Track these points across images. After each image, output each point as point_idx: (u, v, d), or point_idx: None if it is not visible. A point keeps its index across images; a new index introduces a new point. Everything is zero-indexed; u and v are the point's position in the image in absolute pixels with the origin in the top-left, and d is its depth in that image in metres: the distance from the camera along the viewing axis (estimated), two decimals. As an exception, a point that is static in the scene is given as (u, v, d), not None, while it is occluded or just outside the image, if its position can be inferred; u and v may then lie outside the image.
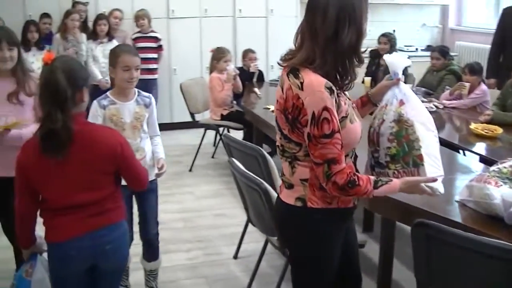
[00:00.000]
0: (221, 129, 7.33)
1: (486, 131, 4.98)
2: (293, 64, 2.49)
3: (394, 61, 2.77)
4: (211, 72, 7.14)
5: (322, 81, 2.39)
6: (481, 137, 4.97)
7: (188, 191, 6.35)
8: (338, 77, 2.49)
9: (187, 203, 6.03)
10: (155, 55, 8.37)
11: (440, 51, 7.10)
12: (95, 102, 3.73)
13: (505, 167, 3.14)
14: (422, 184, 2.54)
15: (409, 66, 3.10)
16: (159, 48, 8.44)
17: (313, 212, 2.57)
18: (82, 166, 2.68)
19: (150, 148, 3.98)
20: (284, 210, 2.67)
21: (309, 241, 2.65)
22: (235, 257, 4.79)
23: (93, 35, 7.72)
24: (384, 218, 3.96)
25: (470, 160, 4.65)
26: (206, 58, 7.58)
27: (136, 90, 3.86)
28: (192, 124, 7.78)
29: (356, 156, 2.70)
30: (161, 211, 5.60)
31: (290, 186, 2.62)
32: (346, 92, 2.63)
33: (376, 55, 7.81)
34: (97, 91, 7.62)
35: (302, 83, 2.41)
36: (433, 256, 2.74)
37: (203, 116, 7.61)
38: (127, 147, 2.85)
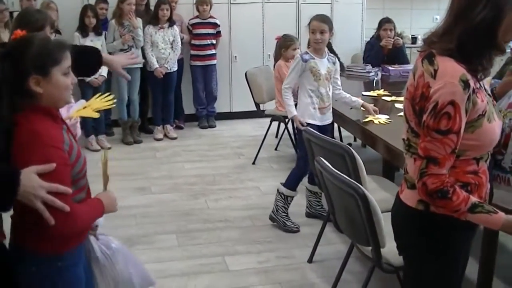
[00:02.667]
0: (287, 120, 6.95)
1: None
2: (431, 49, 2.20)
3: None
4: (276, 60, 6.78)
5: (459, 70, 2.11)
6: None
7: (253, 185, 6.01)
8: (471, 63, 2.16)
9: (253, 199, 5.68)
10: (213, 41, 8.14)
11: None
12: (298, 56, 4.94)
13: None
14: None
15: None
16: (218, 34, 8.19)
17: (436, 217, 2.28)
18: None
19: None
20: (404, 213, 2.41)
21: (429, 251, 2.38)
22: (310, 261, 4.44)
23: (153, 21, 7.43)
24: (486, 230, 3.54)
25: None
26: (268, 45, 7.25)
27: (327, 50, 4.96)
28: (253, 114, 7.47)
29: (492, 159, 2.39)
30: (226, 208, 5.39)
31: (413, 186, 2.31)
32: (487, 87, 2.29)
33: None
34: (155, 77, 7.45)
35: (436, 71, 2.15)
36: None
37: (266, 107, 7.29)
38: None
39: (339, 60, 6.00)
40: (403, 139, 2.36)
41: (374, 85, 6.44)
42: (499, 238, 3.65)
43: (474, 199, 2.19)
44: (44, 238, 2.23)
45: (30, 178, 2.09)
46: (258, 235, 4.87)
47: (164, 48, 7.50)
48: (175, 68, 7.71)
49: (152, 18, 7.47)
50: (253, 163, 6.72)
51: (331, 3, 8.75)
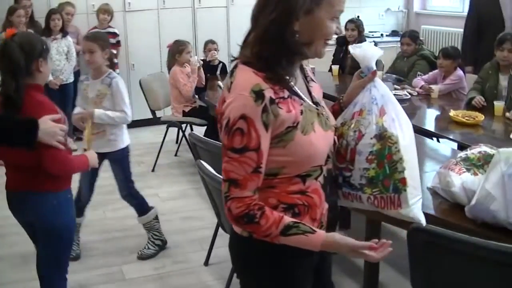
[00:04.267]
0: (183, 125, 7.00)
1: (467, 118, 4.75)
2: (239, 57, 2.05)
3: (366, 53, 2.24)
4: (169, 68, 6.79)
5: (252, 82, 1.91)
6: (461, 125, 4.73)
7: (152, 193, 5.95)
8: (270, 70, 1.95)
9: (151, 206, 5.67)
10: (114, 51, 7.98)
11: (411, 36, 6.89)
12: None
13: (473, 153, 2.97)
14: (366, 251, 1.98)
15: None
16: (118, 43, 8.10)
17: (261, 245, 2.01)
18: None
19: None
20: (234, 239, 2.17)
21: (261, 279, 2.15)
22: (206, 264, 4.48)
23: (46, 32, 7.28)
24: (368, 217, 3.64)
25: (449, 149, 4.44)
26: (165, 52, 7.18)
27: (109, 71, 4.37)
28: (152, 121, 7.43)
29: (328, 177, 2.13)
30: (125, 217, 5.34)
31: None
32: (317, 94, 2.17)
33: (343, 42, 7.44)
34: (51, 90, 7.32)
35: (231, 84, 1.97)
36: (433, 266, 2.49)
37: (164, 113, 7.28)
38: None
39: (224, 64, 5.91)
40: None
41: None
42: (394, 227, 3.80)
43: (288, 220, 1.95)
44: (58, 180, 3.06)
45: (46, 122, 2.82)
46: (156, 242, 4.85)
47: (59, 60, 7.35)
48: (72, 79, 7.56)
49: (44, 29, 7.32)
50: (153, 170, 6.71)
51: (227, 6, 8.79)
